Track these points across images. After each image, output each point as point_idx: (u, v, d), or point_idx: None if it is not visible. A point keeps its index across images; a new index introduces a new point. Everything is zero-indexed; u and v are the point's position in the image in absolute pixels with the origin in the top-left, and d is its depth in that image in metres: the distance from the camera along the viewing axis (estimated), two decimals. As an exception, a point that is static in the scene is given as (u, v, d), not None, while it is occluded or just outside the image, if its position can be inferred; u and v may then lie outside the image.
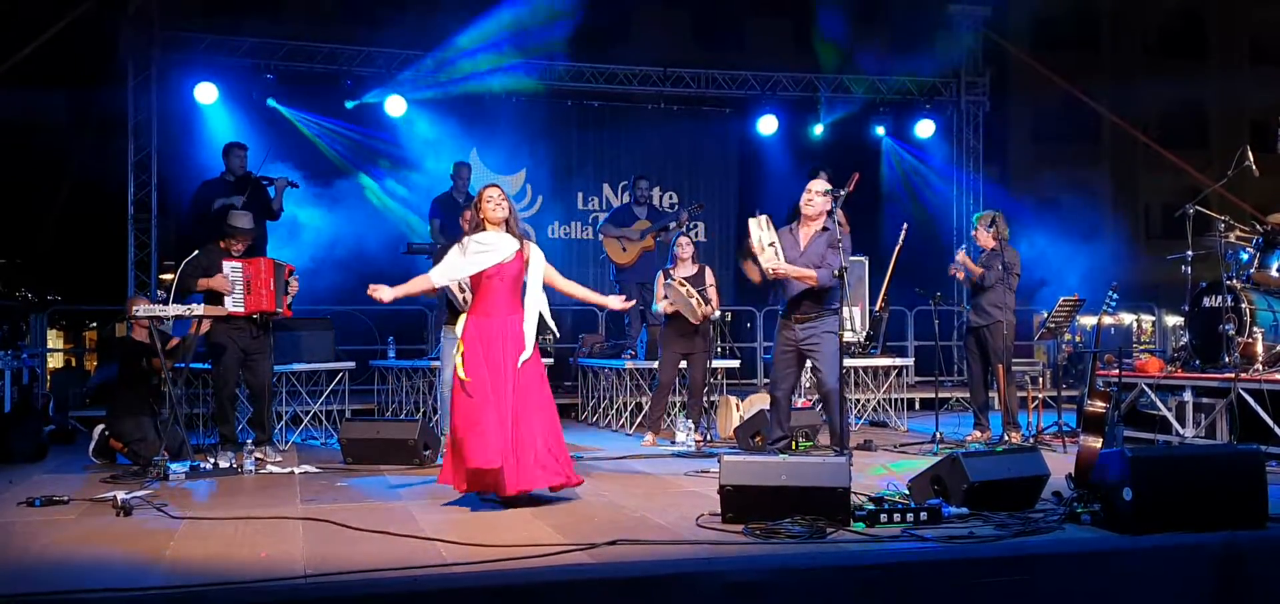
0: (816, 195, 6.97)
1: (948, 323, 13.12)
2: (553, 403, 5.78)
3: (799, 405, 8.35)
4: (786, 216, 10.13)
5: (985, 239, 8.59)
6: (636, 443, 8.63)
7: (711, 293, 8.50)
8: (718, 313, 8.76)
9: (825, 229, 6.93)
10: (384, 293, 5.85)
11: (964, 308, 8.80)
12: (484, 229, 5.77)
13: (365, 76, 12.24)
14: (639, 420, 9.47)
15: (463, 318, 5.83)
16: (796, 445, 7.60)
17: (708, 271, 8.70)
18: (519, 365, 5.60)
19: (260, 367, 7.70)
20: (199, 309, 7.16)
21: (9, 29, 11.56)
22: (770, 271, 6.74)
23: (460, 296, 7.30)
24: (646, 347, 9.66)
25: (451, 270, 5.85)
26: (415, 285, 6.08)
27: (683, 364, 8.78)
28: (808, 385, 9.34)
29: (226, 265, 7.52)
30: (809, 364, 7.09)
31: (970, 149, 13.86)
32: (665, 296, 8.50)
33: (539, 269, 5.83)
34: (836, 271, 6.76)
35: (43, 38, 10.79)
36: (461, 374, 5.60)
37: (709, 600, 4.01)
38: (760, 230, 6.79)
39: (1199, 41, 26.62)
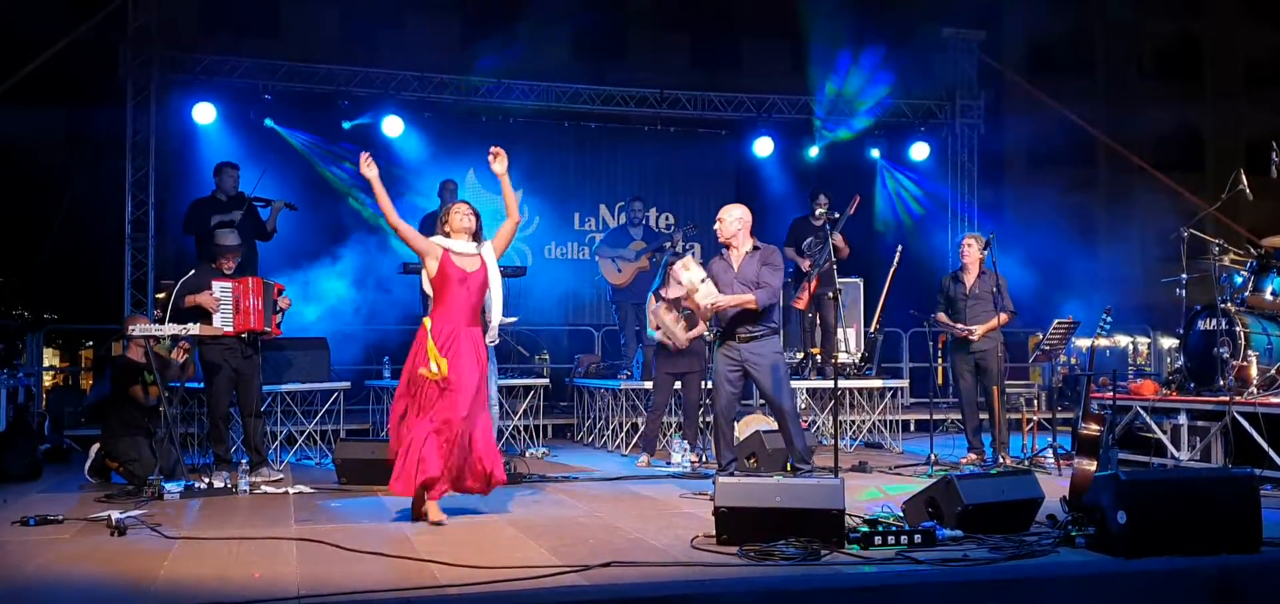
0: (729, 220, 6.97)
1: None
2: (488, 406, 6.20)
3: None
4: (787, 238, 10.20)
5: (972, 257, 8.57)
6: (632, 464, 8.62)
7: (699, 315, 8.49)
8: (709, 335, 8.76)
9: (755, 248, 6.95)
10: (371, 169, 5.92)
11: (955, 329, 8.76)
12: (448, 239, 6.01)
13: (363, 97, 12.28)
14: (634, 441, 9.46)
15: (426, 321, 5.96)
16: (788, 468, 7.59)
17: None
18: (477, 376, 5.85)
19: (250, 386, 7.72)
20: (195, 329, 7.16)
21: (8, 49, 11.59)
22: (709, 307, 6.76)
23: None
24: (642, 366, 9.66)
25: (421, 238, 5.96)
26: (385, 200, 5.98)
27: (677, 385, 8.79)
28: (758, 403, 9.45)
29: (216, 284, 7.56)
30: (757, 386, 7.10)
31: (965, 171, 13.91)
32: (654, 319, 8.50)
33: (494, 263, 6.05)
34: (775, 290, 6.81)
35: (42, 57, 10.81)
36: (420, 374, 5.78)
37: (703, 623, 4.01)
38: (689, 272, 6.78)
39: (1195, 65, 26.70)
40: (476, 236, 6.04)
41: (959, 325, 8.50)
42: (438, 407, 5.74)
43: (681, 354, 8.53)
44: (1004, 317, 8.38)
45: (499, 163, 5.97)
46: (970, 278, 8.60)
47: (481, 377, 5.90)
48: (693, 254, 13.19)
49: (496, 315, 6.09)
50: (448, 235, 6.01)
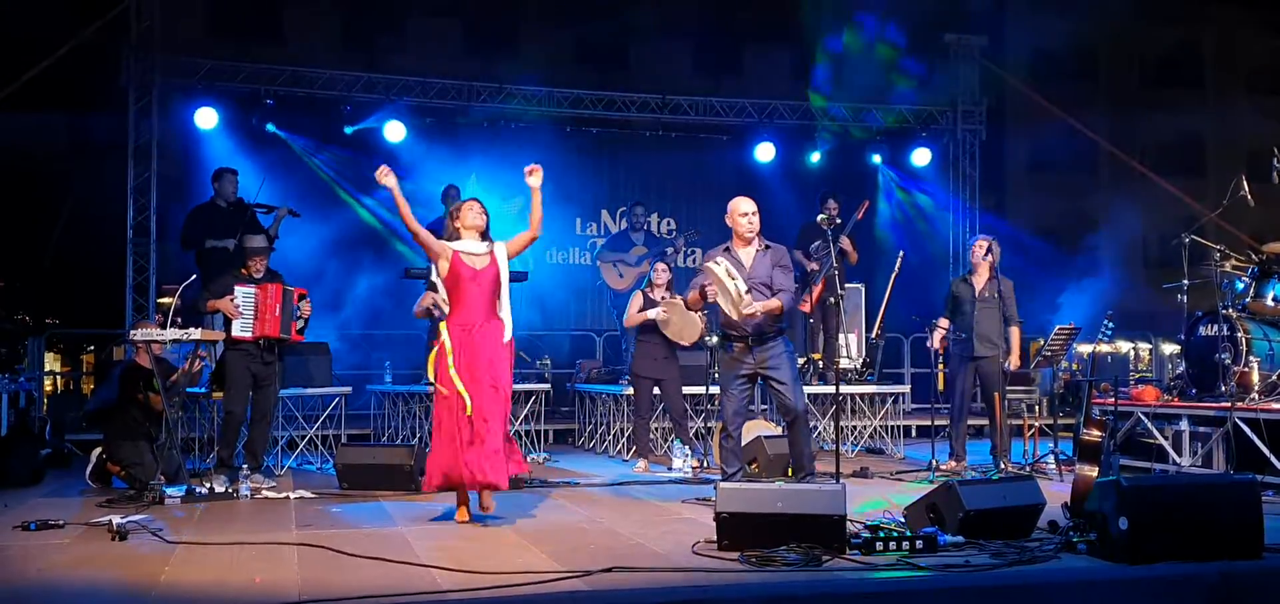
0: (753, 215, 6.47)
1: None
2: (509, 401, 6.20)
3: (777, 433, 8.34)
4: (796, 240, 10.19)
5: (981, 259, 8.47)
6: (632, 469, 8.61)
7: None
8: (711, 340, 8.76)
9: (766, 247, 6.47)
10: (390, 179, 6.02)
11: (958, 334, 8.71)
12: (459, 237, 6.12)
13: (365, 102, 12.26)
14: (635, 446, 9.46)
15: (443, 326, 6.03)
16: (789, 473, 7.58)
17: (678, 299, 8.71)
18: (495, 372, 5.94)
19: (267, 392, 7.73)
20: (196, 333, 7.14)
21: (11, 53, 11.61)
22: (746, 316, 6.16)
23: (438, 313, 7.43)
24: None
25: (434, 242, 6.11)
26: (404, 206, 6.14)
27: (656, 390, 8.75)
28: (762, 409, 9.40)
29: (238, 290, 7.55)
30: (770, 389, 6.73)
31: (967, 177, 13.90)
32: (665, 310, 8.47)
33: (505, 261, 6.14)
34: (792, 294, 6.41)
35: (45, 63, 10.83)
36: (434, 381, 5.95)
37: (704, 628, 4.01)
38: (731, 276, 6.20)
39: (1196, 72, 26.71)
40: (485, 234, 6.15)
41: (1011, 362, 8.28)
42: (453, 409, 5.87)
43: (662, 359, 8.54)
44: (1015, 330, 8.31)
45: (534, 178, 6.08)
46: (980, 281, 8.41)
47: (494, 371, 5.93)
48: (693, 259, 13.23)
49: (505, 317, 6.12)
50: (458, 232, 6.11)
